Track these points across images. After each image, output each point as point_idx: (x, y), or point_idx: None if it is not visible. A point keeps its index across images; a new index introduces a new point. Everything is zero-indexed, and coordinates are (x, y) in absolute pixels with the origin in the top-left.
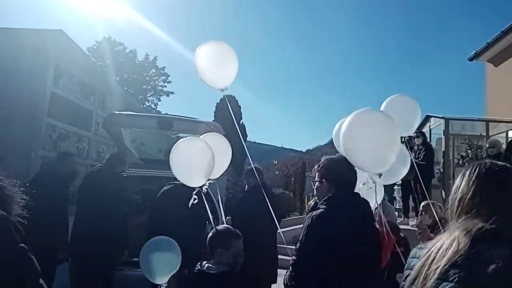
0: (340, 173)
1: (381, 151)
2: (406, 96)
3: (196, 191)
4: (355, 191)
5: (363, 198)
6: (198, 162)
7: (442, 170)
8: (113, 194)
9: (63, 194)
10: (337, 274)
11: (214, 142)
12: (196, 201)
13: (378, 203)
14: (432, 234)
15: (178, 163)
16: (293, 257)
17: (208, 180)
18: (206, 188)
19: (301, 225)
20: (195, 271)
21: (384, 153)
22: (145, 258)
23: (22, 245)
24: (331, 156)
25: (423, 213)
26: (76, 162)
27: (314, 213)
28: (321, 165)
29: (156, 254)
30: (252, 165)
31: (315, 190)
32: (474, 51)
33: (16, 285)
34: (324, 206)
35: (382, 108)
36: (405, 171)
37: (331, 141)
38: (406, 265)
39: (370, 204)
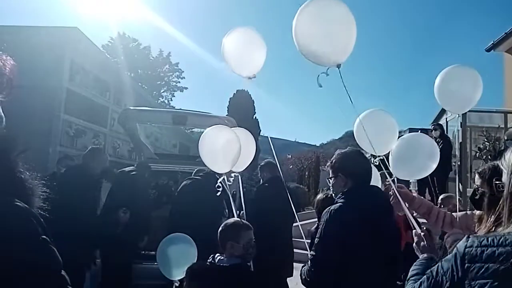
0: (355, 165)
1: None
2: (464, 66)
3: (222, 178)
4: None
5: (380, 189)
6: (227, 148)
7: (459, 163)
8: (142, 193)
9: (93, 192)
10: (356, 268)
11: (241, 136)
12: (221, 189)
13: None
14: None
15: (207, 145)
16: (312, 253)
17: (231, 172)
18: (231, 180)
19: (315, 219)
20: (207, 264)
21: (342, 34)
22: (163, 257)
23: (44, 237)
24: (343, 150)
25: (442, 206)
26: (107, 160)
27: (332, 207)
28: (334, 160)
29: (173, 254)
30: (268, 159)
31: (331, 186)
32: (492, 42)
33: (38, 276)
34: (341, 200)
35: (438, 79)
36: (434, 166)
37: (345, 135)
38: (476, 272)
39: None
